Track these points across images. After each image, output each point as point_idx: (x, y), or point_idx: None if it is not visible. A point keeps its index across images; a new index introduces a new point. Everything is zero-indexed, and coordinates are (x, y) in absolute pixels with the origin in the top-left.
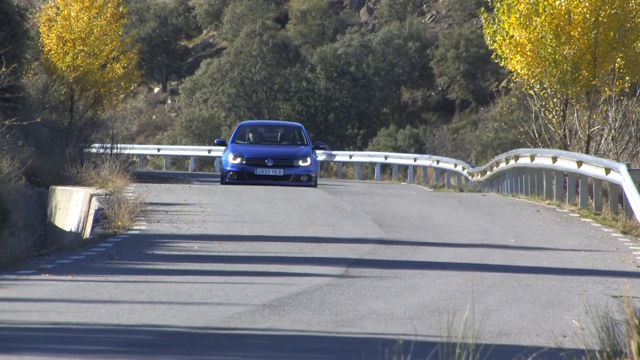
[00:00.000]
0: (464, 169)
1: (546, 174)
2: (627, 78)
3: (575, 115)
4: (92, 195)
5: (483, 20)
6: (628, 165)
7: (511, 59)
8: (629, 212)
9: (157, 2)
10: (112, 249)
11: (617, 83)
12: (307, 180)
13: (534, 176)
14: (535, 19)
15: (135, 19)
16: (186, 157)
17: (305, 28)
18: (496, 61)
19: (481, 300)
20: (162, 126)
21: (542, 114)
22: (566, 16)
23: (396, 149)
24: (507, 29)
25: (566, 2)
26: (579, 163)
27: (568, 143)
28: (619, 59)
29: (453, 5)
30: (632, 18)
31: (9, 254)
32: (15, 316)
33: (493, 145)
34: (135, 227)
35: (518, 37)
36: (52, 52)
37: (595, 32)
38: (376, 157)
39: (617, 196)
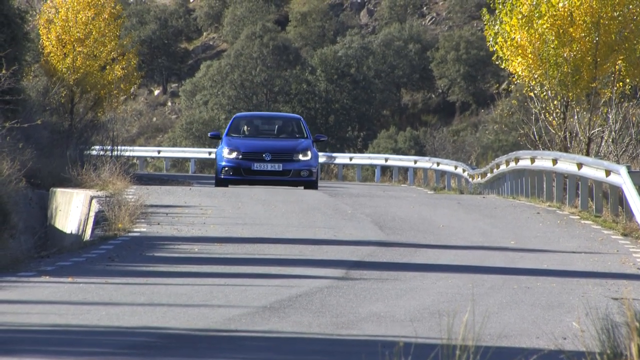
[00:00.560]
0: (464, 171)
1: (546, 176)
2: (627, 80)
3: (576, 117)
4: (92, 198)
5: (485, 22)
6: (628, 168)
7: (512, 60)
8: (629, 214)
9: (158, 5)
10: (112, 251)
11: (618, 85)
12: (307, 175)
13: (534, 178)
14: (537, 20)
15: (136, 21)
16: (186, 159)
17: (306, 30)
18: (497, 63)
19: (481, 302)
20: (163, 128)
21: (543, 116)
22: (569, 18)
23: (396, 151)
24: (508, 31)
25: (569, 2)
26: (579, 165)
27: (568, 145)
28: (619, 61)
29: (453, 8)
30: (633, 20)
31: (9, 256)
32: (15, 318)
33: (493, 148)
34: (135, 230)
35: (519, 39)
36: (52, 54)
37: (596, 34)
38: (376, 159)
39: (617, 198)
